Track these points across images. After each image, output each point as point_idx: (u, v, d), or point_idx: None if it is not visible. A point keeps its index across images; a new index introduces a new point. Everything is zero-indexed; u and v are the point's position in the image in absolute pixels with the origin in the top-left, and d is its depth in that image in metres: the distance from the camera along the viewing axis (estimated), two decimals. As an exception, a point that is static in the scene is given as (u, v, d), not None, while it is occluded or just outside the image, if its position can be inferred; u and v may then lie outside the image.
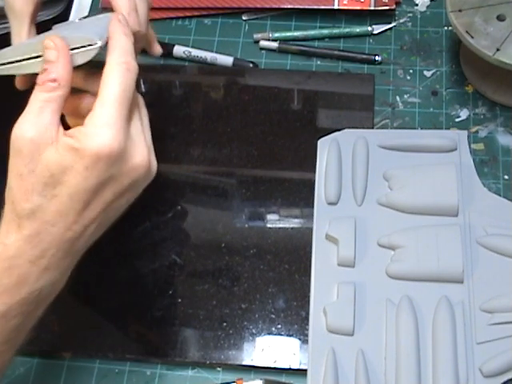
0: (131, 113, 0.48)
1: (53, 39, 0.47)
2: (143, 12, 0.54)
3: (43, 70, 0.46)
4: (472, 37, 0.63)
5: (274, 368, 0.57)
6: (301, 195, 0.64)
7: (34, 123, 0.44)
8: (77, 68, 0.48)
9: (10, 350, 0.48)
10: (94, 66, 0.49)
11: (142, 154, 0.48)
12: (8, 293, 0.45)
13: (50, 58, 0.46)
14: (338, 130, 0.66)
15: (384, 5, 0.74)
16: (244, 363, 0.57)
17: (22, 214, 0.45)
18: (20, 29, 0.55)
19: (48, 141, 0.44)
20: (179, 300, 0.60)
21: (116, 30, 0.48)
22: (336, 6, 0.74)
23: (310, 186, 0.64)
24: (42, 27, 0.58)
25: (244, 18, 0.77)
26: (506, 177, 0.64)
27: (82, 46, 0.48)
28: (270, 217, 0.64)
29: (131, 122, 0.48)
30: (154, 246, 0.63)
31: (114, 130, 0.45)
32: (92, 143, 0.44)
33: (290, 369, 0.57)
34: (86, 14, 0.78)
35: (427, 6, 0.76)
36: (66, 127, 0.47)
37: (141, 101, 0.51)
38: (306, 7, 0.75)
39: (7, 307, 0.45)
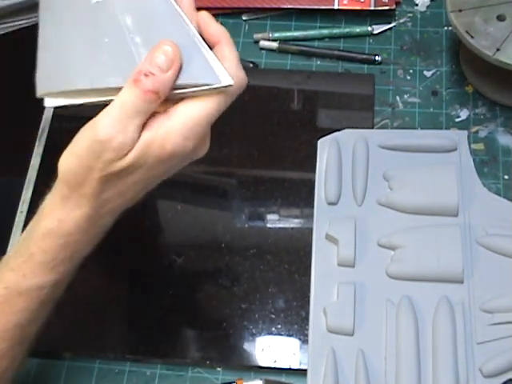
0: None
1: (172, 45, 0.43)
2: None
3: (148, 71, 0.43)
4: (472, 37, 0.63)
5: (274, 368, 0.57)
6: (301, 195, 0.64)
7: (119, 129, 0.43)
8: None
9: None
10: None
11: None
12: (62, 264, 0.48)
13: (161, 64, 0.43)
14: (338, 130, 0.66)
15: (384, 5, 0.74)
16: (244, 363, 0.57)
17: (85, 194, 0.46)
18: None
19: (128, 147, 0.44)
20: (179, 300, 0.60)
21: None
22: (336, 6, 0.74)
23: (310, 186, 0.64)
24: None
25: (244, 18, 0.77)
26: (506, 177, 0.64)
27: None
28: (269, 217, 0.64)
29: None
30: (153, 245, 0.63)
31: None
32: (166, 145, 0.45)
33: (290, 369, 0.57)
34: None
35: (427, 6, 0.76)
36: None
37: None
38: (306, 7, 0.75)
39: (60, 276, 0.49)
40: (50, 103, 0.47)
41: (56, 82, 0.46)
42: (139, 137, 0.44)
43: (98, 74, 0.45)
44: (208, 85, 0.44)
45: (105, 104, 0.45)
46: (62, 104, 0.47)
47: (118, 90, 0.44)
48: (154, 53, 0.43)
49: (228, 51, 0.46)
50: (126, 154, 0.44)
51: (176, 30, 0.45)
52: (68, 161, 0.45)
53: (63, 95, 0.46)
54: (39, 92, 0.47)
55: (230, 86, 0.44)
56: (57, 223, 0.47)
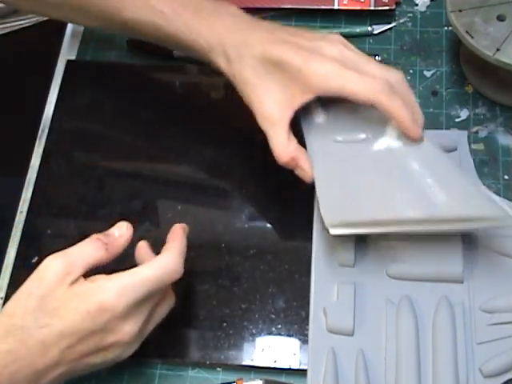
0: (147, 300, 0.51)
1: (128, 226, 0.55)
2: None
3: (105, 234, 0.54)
4: (472, 37, 0.63)
5: (274, 368, 0.57)
6: (301, 195, 0.64)
7: (66, 259, 0.49)
8: None
9: None
10: None
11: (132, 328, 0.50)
12: None
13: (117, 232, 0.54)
14: (338, 130, 0.66)
15: (384, 5, 0.74)
16: (244, 363, 0.57)
17: (10, 329, 0.48)
18: (279, 138, 0.56)
19: (68, 281, 0.49)
20: (179, 300, 0.60)
21: None
22: (336, 6, 0.74)
23: (310, 185, 0.63)
24: (40, 29, 0.58)
25: (244, 18, 0.77)
26: (506, 177, 0.64)
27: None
28: (270, 217, 0.64)
29: (142, 304, 0.51)
30: (153, 246, 0.63)
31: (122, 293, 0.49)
32: (99, 296, 0.49)
33: (290, 369, 0.57)
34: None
35: (427, 6, 0.76)
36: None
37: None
38: (306, 7, 0.75)
39: None
40: (336, 232, 0.54)
41: (345, 215, 0.54)
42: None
43: (393, 207, 0.53)
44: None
45: None
46: (347, 233, 0.54)
47: (411, 222, 0.53)
48: (116, 225, 0.54)
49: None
50: (58, 288, 0.48)
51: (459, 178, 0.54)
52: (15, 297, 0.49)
53: (350, 226, 0.54)
54: (328, 223, 0.54)
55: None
56: None
